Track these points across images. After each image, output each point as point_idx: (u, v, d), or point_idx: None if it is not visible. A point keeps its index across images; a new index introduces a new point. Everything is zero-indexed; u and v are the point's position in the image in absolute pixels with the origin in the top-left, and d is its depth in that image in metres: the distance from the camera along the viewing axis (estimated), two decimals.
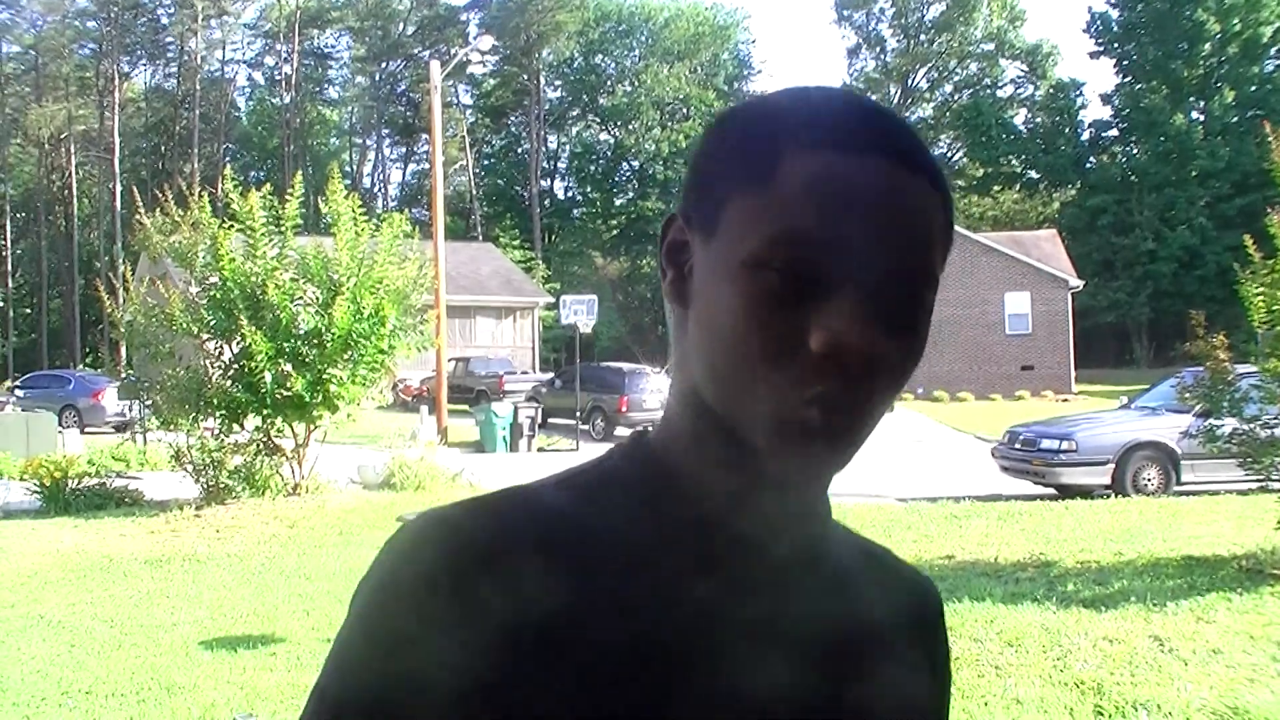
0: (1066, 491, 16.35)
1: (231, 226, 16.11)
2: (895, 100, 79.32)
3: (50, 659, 8.69)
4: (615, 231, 77.06)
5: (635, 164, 76.97)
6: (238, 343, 15.90)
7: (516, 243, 71.61)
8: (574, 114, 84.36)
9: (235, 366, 16.05)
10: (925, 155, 0.93)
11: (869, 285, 0.86)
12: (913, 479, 19.41)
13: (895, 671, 1.04)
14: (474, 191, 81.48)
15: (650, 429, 1.05)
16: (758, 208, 0.88)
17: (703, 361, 0.92)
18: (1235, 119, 60.36)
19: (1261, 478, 10.72)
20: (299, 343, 15.81)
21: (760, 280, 0.86)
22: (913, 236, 0.89)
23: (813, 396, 0.86)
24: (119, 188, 68.02)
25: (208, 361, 16.47)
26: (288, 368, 15.65)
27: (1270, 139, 10.53)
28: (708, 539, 0.95)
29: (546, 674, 0.85)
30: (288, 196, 16.41)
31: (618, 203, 79.09)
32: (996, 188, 73.05)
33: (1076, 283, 45.34)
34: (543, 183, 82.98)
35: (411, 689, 0.85)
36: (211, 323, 16.02)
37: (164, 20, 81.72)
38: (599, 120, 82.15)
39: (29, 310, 77.16)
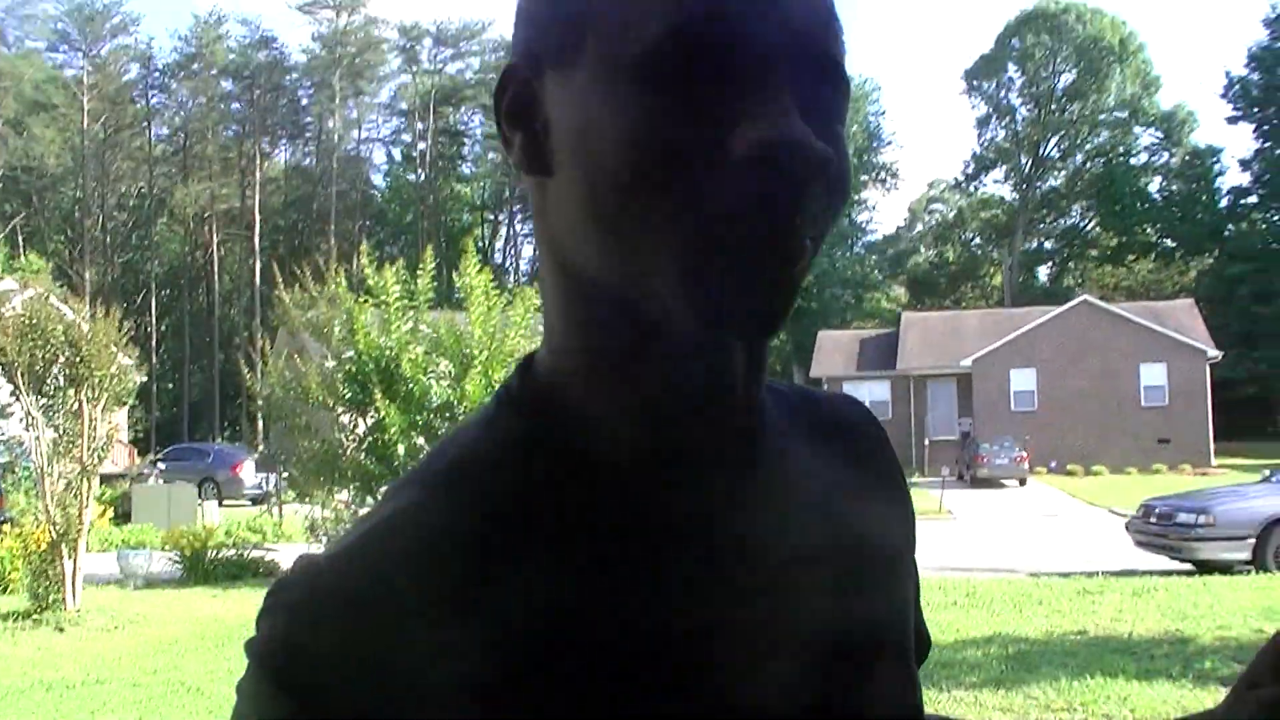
0: (1204, 567, 15.98)
1: (367, 301, 16.46)
2: (1027, 170, 78.63)
3: None
4: None
5: None
6: (371, 415, 16.18)
7: None
8: None
9: (369, 439, 16.33)
10: None
11: (790, 75, 0.73)
12: (1045, 553, 19.11)
13: (878, 531, 0.93)
14: None
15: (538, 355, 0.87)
16: (635, 6, 0.73)
17: (585, 223, 0.76)
18: None
19: None
20: (431, 416, 16.05)
21: (655, 84, 0.72)
22: (824, 22, 0.77)
23: (745, 213, 0.71)
24: (259, 264, 69.89)
25: (342, 434, 16.78)
26: (420, 440, 15.88)
27: None
28: (632, 504, 0.80)
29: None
30: (420, 271, 16.73)
31: None
32: (1131, 257, 71.95)
33: (1215, 353, 44.30)
34: None
35: None
36: (347, 395, 16.33)
37: (304, 101, 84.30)
38: None
39: (171, 385, 79.18)
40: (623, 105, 0.72)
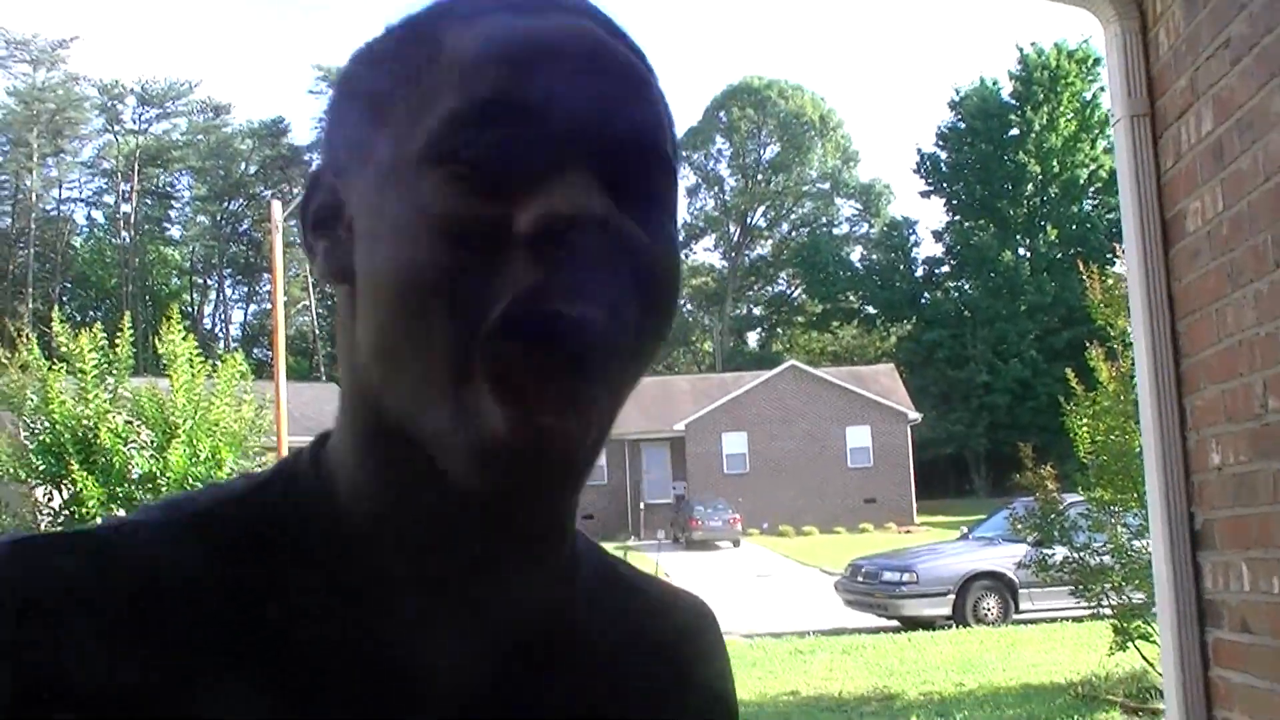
0: (909, 623, 16.53)
1: (62, 368, 15.74)
2: (735, 238, 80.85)
3: None
4: None
5: None
6: (67, 488, 15.44)
7: None
8: None
9: (65, 513, 15.57)
10: (622, 27, 0.73)
11: (595, 159, 0.64)
12: (758, 614, 19.43)
13: None
14: (317, 331, 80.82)
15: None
16: (427, 91, 0.66)
17: (372, 331, 0.66)
18: (1059, 255, 62.48)
19: (1093, 604, 10.94)
20: (133, 487, 15.41)
21: (439, 167, 0.63)
22: (639, 103, 0.68)
23: (528, 308, 0.60)
24: None
25: (35, 509, 15.95)
26: (121, 513, 15.21)
27: (1084, 277, 10.89)
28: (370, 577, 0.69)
29: None
30: (118, 338, 16.09)
31: None
32: (835, 323, 74.57)
33: (915, 415, 46.34)
34: None
35: None
36: (40, 468, 15.54)
37: None
38: None
39: None
40: (408, 192, 0.64)
